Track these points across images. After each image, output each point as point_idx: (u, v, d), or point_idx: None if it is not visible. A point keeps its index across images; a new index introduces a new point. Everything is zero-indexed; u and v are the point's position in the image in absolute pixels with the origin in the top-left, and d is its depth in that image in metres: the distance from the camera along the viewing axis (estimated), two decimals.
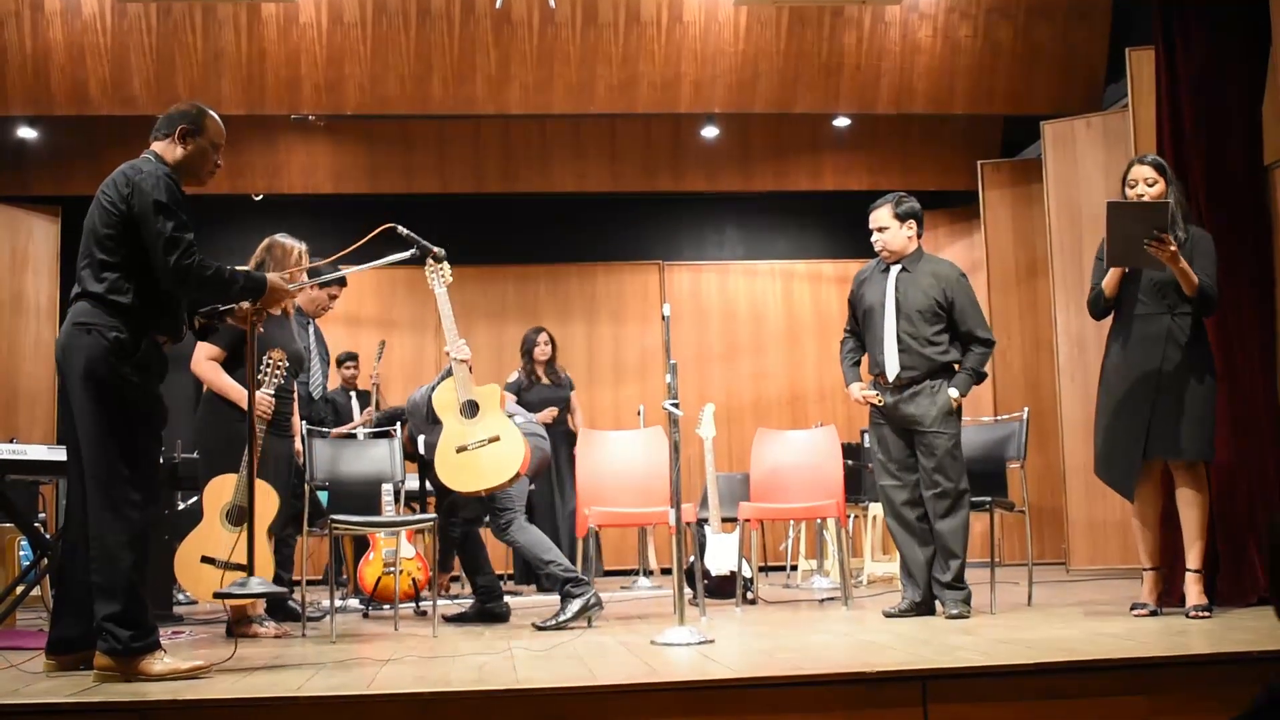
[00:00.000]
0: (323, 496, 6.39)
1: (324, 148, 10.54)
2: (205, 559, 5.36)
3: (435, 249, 5.44)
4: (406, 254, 5.38)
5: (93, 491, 4.11)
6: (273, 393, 5.62)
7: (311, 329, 6.99)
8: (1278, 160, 6.06)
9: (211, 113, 4.60)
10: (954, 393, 5.66)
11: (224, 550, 5.26)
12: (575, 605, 5.71)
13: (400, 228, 5.25)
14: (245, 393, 5.23)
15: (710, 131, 10.63)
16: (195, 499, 7.00)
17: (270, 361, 5.66)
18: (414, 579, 7.15)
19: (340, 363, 9.22)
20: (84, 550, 4.18)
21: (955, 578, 5.60)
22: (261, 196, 10.85)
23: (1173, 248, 5.04)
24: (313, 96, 8.67)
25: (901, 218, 5.86)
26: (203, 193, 10.64)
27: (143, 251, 4.20)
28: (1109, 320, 5.53)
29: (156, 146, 4.51)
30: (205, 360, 5.75)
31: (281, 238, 6.06)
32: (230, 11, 8.28)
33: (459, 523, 6.18)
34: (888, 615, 5.71)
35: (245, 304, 4.61)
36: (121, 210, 4.20)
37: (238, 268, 4.44)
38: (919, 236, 5.93)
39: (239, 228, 11.34)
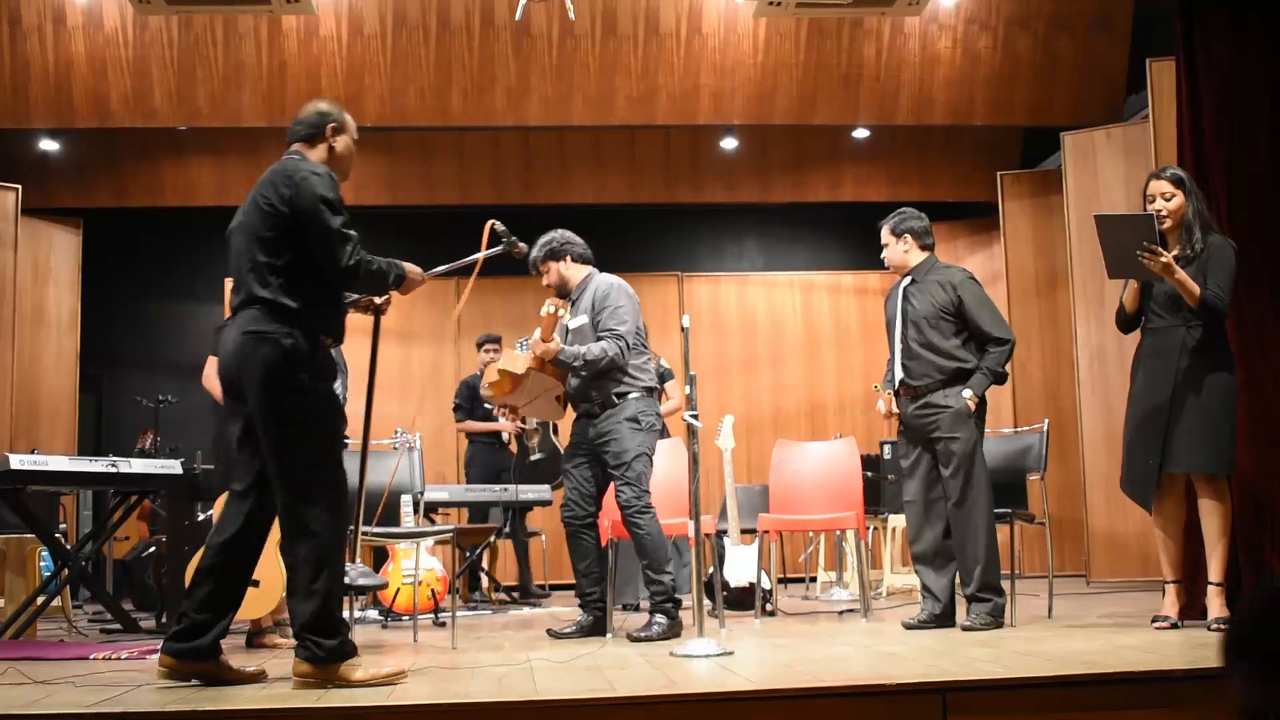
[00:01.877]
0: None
1: None
2: None
3: (520, 244, 5.39)
4: (500, 248, 5.33)
5: (284, 501, 4.10)
6: None
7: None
8: None
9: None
10: (968, 393, 5.64)
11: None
12: (667, 624, 5.65)
13: (497, 223, 5.23)
14: None
15: (729, 143, 10.64)
16: (214, 510, 7.04)
17: None
18: (433, 590, 7.16)
19: (480, 345, 9.12)
20: (245, 559, 4.23)
21: (979, 589, 5.57)
22: None
23: (1164, 259, 5.02)
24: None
25: (897, 234, 5.98)
26: (222, 204, 10.73)
27: (306, 251, 4.17)
28: (1136, 333, 5.51)
29: (300, 148, 4.47)
30: (215, 375, 5.77)
31: None
32: (251, 24, 8.31)
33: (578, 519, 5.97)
34: (907, 626, 5.70)
35: (375, 298, 4.66)
36: (284, 211, 4.17)
37: (388, 260, 4.43)
38: (925, 248, 6.00)
39: None
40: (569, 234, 6.19)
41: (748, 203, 11.24)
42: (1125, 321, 5.46)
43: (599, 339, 5.81)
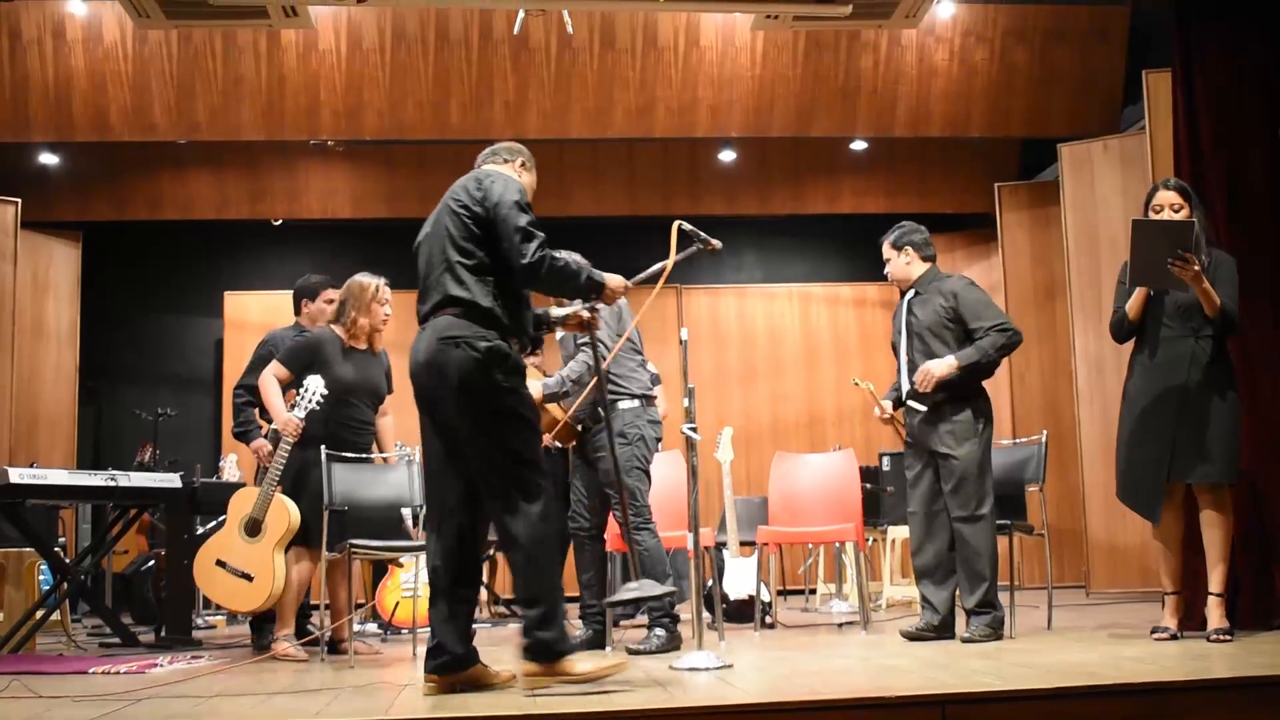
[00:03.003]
0: None
1: (343, 173, 10.60)
2: (219, 563, 5.74)
3: (714, 241, 5.38)
4: (693, 248, 5.32)
5: (496, 504, 4.17)
6: (303, 416, 5.85)
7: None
8: None
9: None
10: (950, 360, 5.59)
11: (238, 557, 5.69)
12: (666, 638, 5.64)
13: (684, 224, 5.22)
14: (282, 416, 5.86)
15: (728, 155, 10.66)
16: (215, 523, 7.04)
17: (308, 387, 5.89)
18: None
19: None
20: (468, 569, 4.30)
21: (980, 603, 5.57)
22: (281, 221, 10.91)
23: (1196, 267, 5.03)
24: (332, 122, 8.72)
25: (898, 247, 5.99)
26: (221, 218, 10.74)
27: (498, 252, 4.25)
28: (1130, 343, 5.52)
29: (491, 167, 4.61)
30: (270, 375, 6.12)
31: (360, 276, 6.36)
32: (250, 38, 8.33)
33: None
34: (904, 634, 5.72)
35: (583, 312, 4.67)
36: (476, 212, 4.28)
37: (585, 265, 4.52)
38: (926, 260, 5.99)
39: (259, 252, 11.43)
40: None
41: (746, 215, 11.25)
42: (1126, 331, 5.46)
43: (578, 350, 5.86)
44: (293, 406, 5.92)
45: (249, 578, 5.66)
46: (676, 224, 5.13)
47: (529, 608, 4.13)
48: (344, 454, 5.96)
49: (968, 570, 5.63)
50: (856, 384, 6.55)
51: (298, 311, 6.97)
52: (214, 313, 11.09)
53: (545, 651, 4.10)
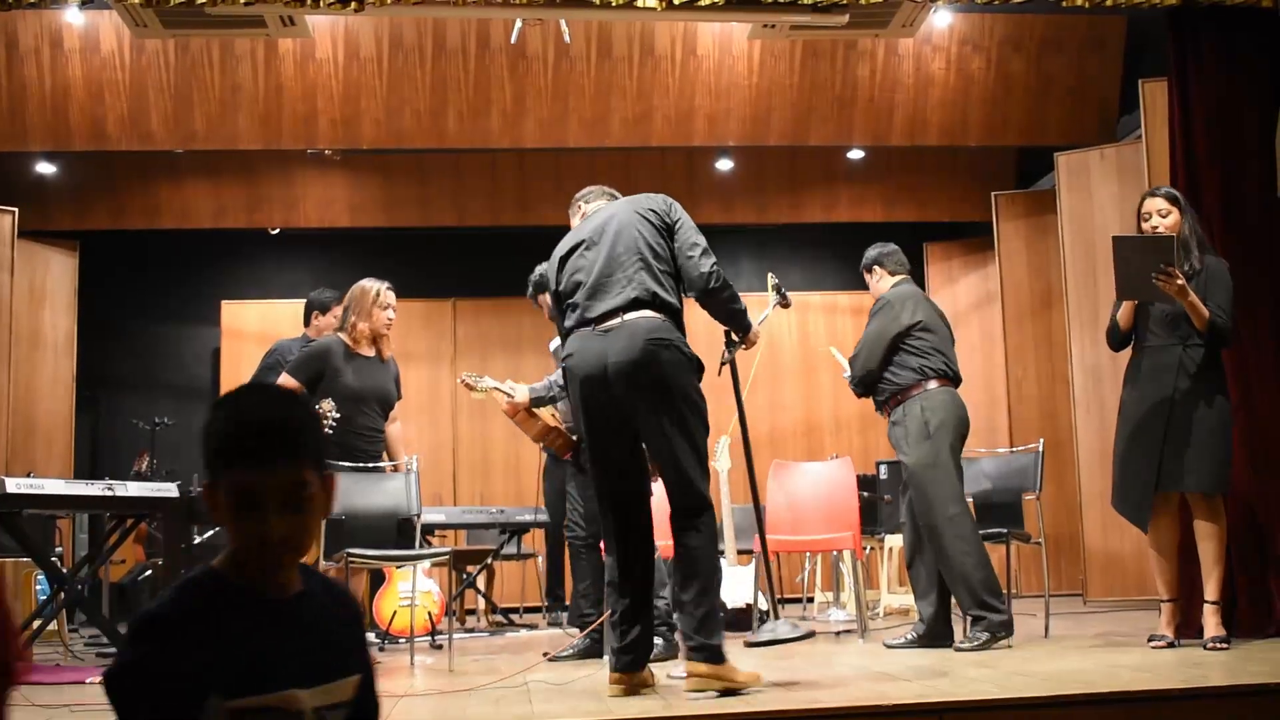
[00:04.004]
0: None
1: (340, 181, 10.61)
2: None
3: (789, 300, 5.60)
4: (777, 298, 5.57)
5: (681, 504, 4.30)
6: None
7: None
8: None
9: None
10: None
11: None
12: (664, 646, 5.67)
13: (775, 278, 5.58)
14: None
15: (725, 164, 10.67)
16: (212, 533, 7.04)
17: (321, 409, 5.91)
18: (430, 613, 7.15)
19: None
20: (644, 563, 4.44)
21: (969, 608, 5.58)
22: (279, 230, 10.91)
23: (1180, 281, 5.05)
24: (329, 131, 8.72)
25: (867, 269, 6.28)
26: (219, 227, 10.73)
27: (676, 265, 4.51)
28: (1127, 351, 5.54)
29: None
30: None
31: (363, 281, 6.34)
32: (248, 47, 8.34)
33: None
34: (886, 645, 5.77)
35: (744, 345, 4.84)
36: (665, 222, 4.55)
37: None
38: (894, 274, 6.18)
39: (257, 261, 11.43)
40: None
41: (743, 224, 11.25)
42: (1119, 340, 5.48)
43: None
44: None
45: None
46: (772, 279, 5.58)
47: (702, 610, 4.22)
48: (341, 463, 5.97)
49: (947, 577, 5.66)
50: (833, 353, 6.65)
51: (307, 323, 7.02)
52: (211, 322, 11.09)
53: (716, 653, 4.17)
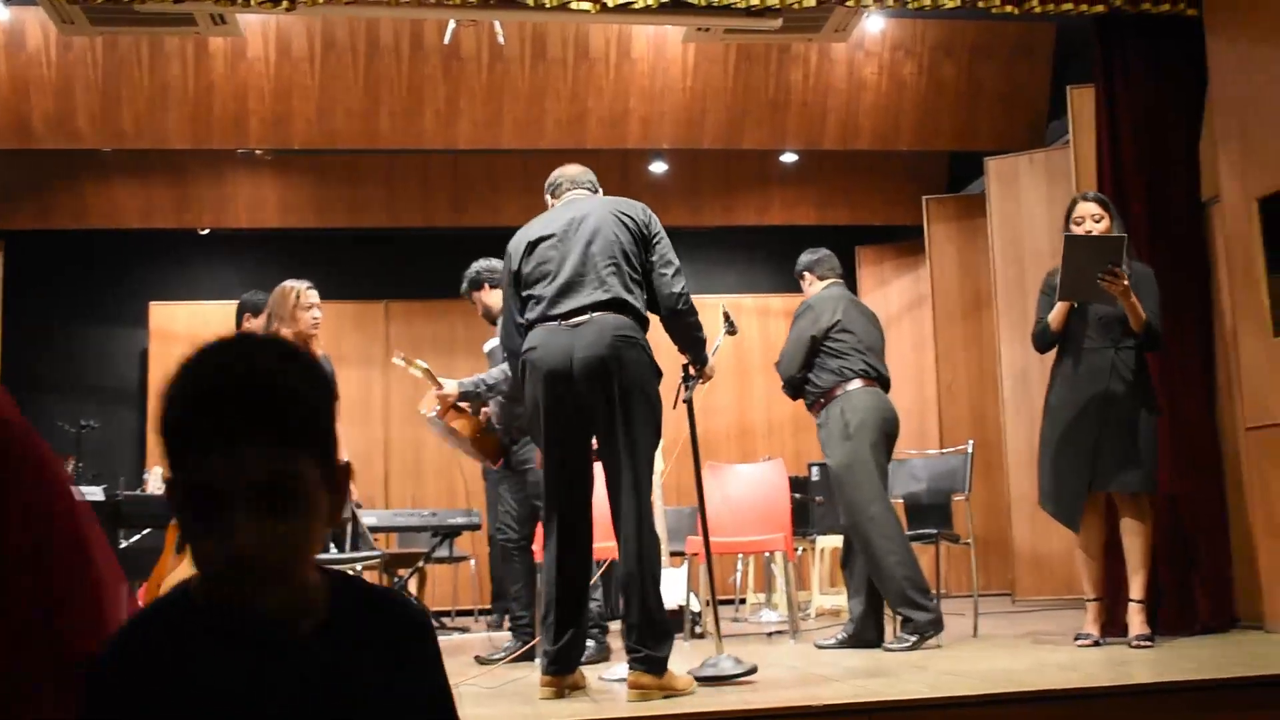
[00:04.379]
0: None
1: (271, 182, 10.51)
2: None
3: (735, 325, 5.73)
4: (726, 326, 5.70)
5: (635, 504, 4.30)
6: None
7: None
8: (1215, 197, 6.16)
9: None
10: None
11: None
12: (595, 649, 5.67)
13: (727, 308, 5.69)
14: None
15: (659, 167, 10.68)
16: (139, 536, 6.95)
17: None
18: None
19: None
20: (584, 566, 4.41)
21: (896, 608, 5.63)
22: (208, 230, 10.80)
23: (1125, 282, 5.13)
24: (260, 130, 8.64)
25: (799, 276, 6.36)
26: (148, 227, 10.57)
27: (647, 276, 4.54)
28: (1052, 353, 5.60)
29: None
30: None
31: (284, 283, 6.29)
32: (177, 45, 8.24)
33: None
34: (817, 646, 5.82)
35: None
36: (644, 233, 4.57)
37: None
38: (824, 279, 6.25)
39: (186, 262, 11.30)
40: (490, 262, 6.26)
41: (677, 226, 11.17)
42: (1049, 342, 5.54)
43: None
44: None
45: None
46: (723, 307, 5.67)
47: (646, 616, 4.22)
48: None
49: (874, 577, 5.71)
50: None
51: (239, 326, 6.96)
52: (139, 323, 10.95)
53: (660, 661, 4.19)
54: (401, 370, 6.25)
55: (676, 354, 4.80)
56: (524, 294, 4.55)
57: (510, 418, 5.87)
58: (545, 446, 4.40)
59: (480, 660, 5.83)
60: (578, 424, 4.38)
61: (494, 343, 5.94)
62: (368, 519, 8.06)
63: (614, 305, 4.37)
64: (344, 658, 1.41)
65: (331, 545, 6.34)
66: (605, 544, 6.18)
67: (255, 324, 6.89)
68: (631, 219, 4.56)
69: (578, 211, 4.61)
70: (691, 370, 4.83)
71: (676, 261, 4.61)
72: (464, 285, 6.37)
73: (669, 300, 4.54)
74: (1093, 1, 6.30)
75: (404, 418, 10.75)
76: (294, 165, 10.44)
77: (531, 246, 4.58)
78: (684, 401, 4.90)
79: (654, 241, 4.58)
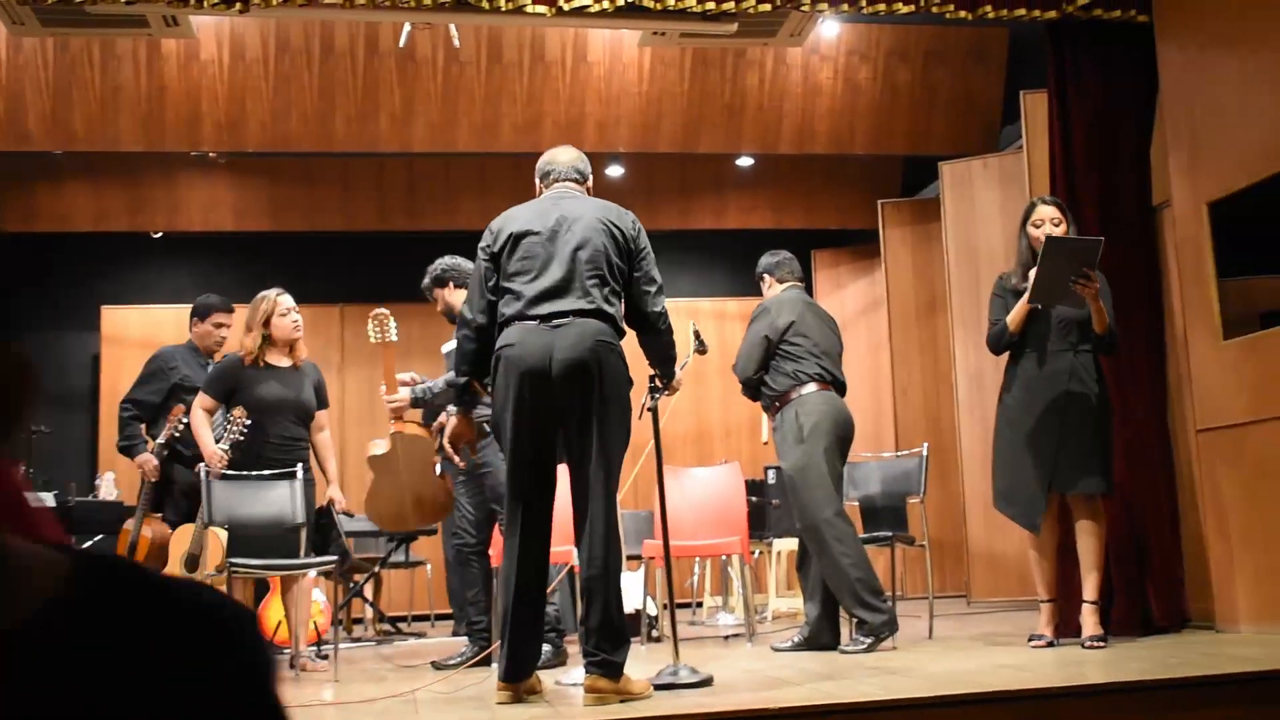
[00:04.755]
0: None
1: (225, 185, 10.44)
2: None
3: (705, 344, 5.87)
4: (696, 344, 5.81)
5: (604, 508, 4.31)
6: (227, 447, 5.94)
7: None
8: (1166, 201, 6.22)
9: None
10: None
11: None
12: (551, 653, 5.67)
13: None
14: (210, 449, 5.95)
15: (615, 170, 10.68)
16: (91, 542, 6.88)
17: (232, 419, 5.99)
18: (315, 623, 7.06)
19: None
20: (544, 569, 4.40)
21: (850, 609, 5.66)
22: (161, 234, 10.71)
23: (1096, 285, 5.19)
24: (214, 133, 8.58)
25: (759, 279, 6.41)
26: (99, 230, 10.45)
27: (628, 289, 4.56)
28: (1006, 355, 5.63)
29: (578, 189, 4.90)
30: (198, 410, 6.20)
31: (260, 294, 6.41)
32: (130, 47, 8.17)
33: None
34: (774, 649, 5.83)
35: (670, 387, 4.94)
36: (630, 247, 4.58)
37: None
38: (783, 281, 6.30)
39: (139, 266, 11.19)
40: (457, 260, 6.25)
41: None
42: (1006, 344, 5.56)
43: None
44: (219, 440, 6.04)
45: None
46: (693, 325, 5.82)
47: (605, 621, 4.22)
48: (226, 472, 5.90)
49: (828, 580, 5.73)
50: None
51: (193, 328, 6.95)
52: (91, 327, 10.84)
53: (617, 665, 4.20)
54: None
55: (644, 363, 4.81)
56: (503, 284, 4.50)
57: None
58: (513, 443, 4.33)
59: (436, 665, 5.81)
60: (549, 424, 4.36)
61: (453, 344, 5.92)
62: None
63: (596, 314, 4.38)
64: (61, 659, 0.97)
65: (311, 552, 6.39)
66: (562, 548, 6.20)
67: (202, 328, 6.88)
68: (620, 231, 4.56)
69: (567, 211, 4.58)
70: (659, 382, 4.87)
71: (659, 279, 4.62)
72: (427, 280, 6.33)
73: (650, 318, 4.58)
74: (1045, 7, 6.34)
75: (359, 420, 10.70)
76: (248, 168, 10.37)
77: (516, 239, 4.53)
78: (648, 410, 4.91)
79: (639, 257, 4.58)
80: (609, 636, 4.19)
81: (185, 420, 6.43)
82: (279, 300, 6.29)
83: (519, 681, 4.33)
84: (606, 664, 4.17)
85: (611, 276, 4.48)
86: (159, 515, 6.54)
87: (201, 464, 6.04)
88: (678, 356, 4.89)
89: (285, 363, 6.28)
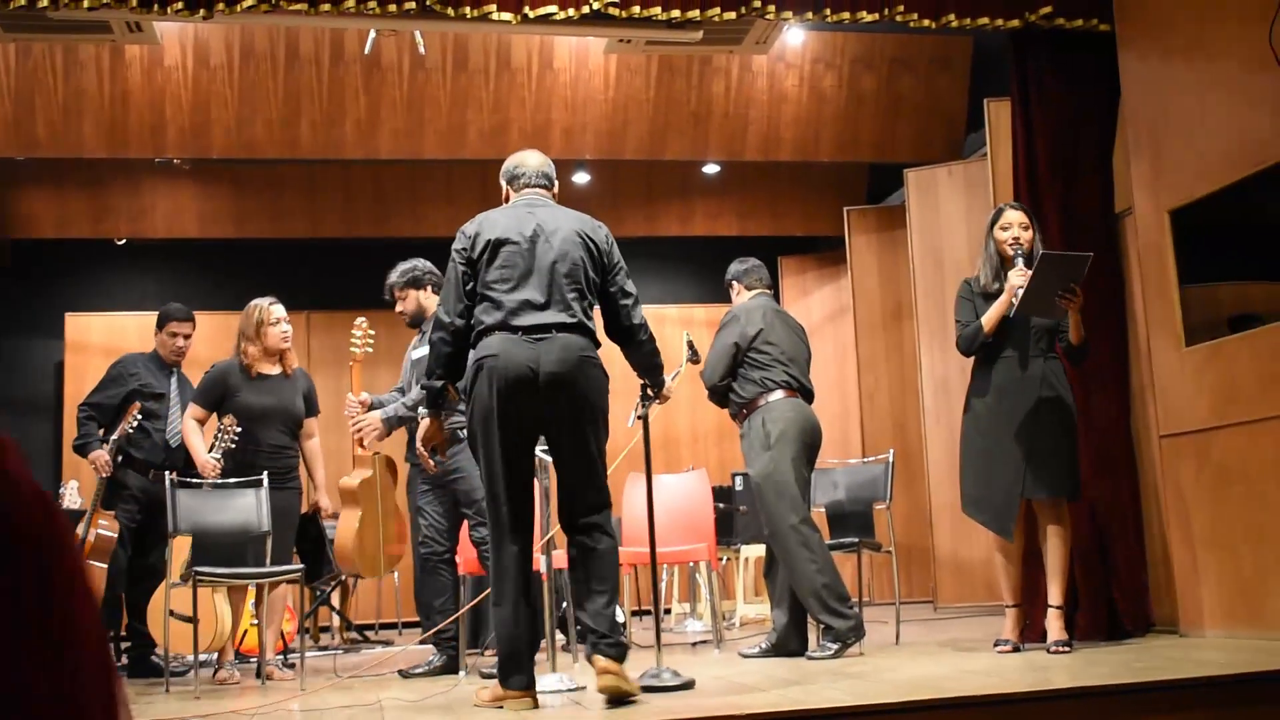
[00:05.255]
0: None
1: (190, 191, 10.38)
2: (171, 613, 5.76)
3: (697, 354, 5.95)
4: (689, 354, 5.88)
5: (599, 503, 4.44)
6: (219, 456, 6.03)
7: (175, 377, 6.92)
8: (1128, 208, 6.27)
9: None
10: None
11: (186, 605, 5.64)
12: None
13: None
14: (203, 458, 6.03)
15: (581, 177, 10.69)
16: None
17: (223, 427, 6.08)
18: (282, 631, 7.03)
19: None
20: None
21: (816, 616, 5.67)
22: (125, 240, 10.64)
23: (1081, 300, 5.24)
24: (178, 140, 8.53)
25: (729, 286, 6.46)
26: (62, 237, 10.38)
27: (604, 302, 4.65)
28: (971, 360, 5.66)
29: (549, 196, 4.94)
30: (190, 420, 6.30)
31: (252, 301, 6.46)
32: (92, 53, 8.12)
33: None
34: (741, 655, 5.84)
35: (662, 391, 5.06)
36: (604, 261, 4.63)
37: None
38: (751, 288, 6.35)
39: (103, 273, 11.12)
40: (430, 264, 6.24)
41: None
42: (979, 345, 5.55)
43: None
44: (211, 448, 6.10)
45: (195, 621, 5.69)
46: (686, 336, 5.91)
47: (611, 602, 4.32)
48: (189, 479, 5.89)
49: (794, 587, 5.74)
50: None
51: (155, 336, 7.00)
52: (54, 334, 10.76)
53: (623, 650, 4.27)
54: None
55: (631, 374, 4.88)
56: (481, 291, 4.49)
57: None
58: (499, 452, 4.34)
59: (403, 674, 5.79)
60: (531, 435, 4.45)
61: (423, 351, 5.90)
62: None
63: (577, 328, 4.44)
64: None
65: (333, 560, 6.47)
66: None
67: (159, 338, 6.89)
68: (595, 245, 4.62)
69: (544, 221, 4.61)
70: (650, 392, 4.94)
71: (634, 291, 4.69)
72: (398, 279, 6.28)
73: (633, 331, 4.67)
74: (1008, 16, 6.38)
75: (327, 429, 10.63)
76: (213, 175, 10.32)
77: (495, 245, 4.53)
78: (639, 418, 4.97)
79: (614, 272, 4.64)
80: (614, 623, 4.28)
81: (139, 418, 6.52)
82: (271, 309, 6.37)
83: (531, 690, 4.31)
84: (619, 645, 4.24)
85: (589, 290, 4.54)
86: (110, 512, 6.54)
87: (165, 471, 6.07)
88: (667, 365, 4.92)
89: (275, 371, 6.34)
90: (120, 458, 6.60)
